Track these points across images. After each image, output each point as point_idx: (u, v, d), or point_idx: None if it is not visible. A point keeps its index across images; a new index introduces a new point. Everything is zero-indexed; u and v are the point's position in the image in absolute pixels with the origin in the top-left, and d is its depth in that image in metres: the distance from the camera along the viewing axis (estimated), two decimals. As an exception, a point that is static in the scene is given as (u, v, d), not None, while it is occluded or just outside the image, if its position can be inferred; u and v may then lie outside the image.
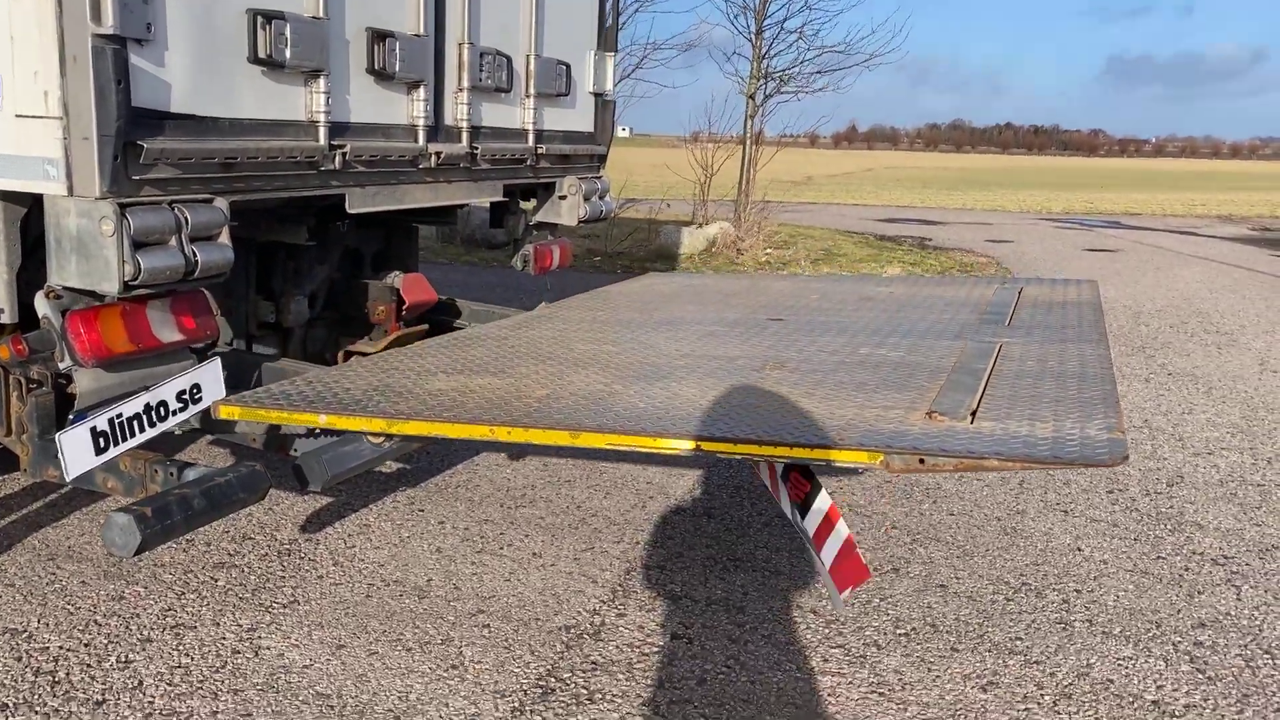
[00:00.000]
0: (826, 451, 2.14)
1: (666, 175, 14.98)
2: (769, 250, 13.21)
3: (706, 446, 2.20)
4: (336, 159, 3.14)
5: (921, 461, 2.08)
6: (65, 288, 2.61)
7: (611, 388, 2.67)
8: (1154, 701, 2.93)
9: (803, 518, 2.61)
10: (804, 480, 2.63)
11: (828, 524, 2.55)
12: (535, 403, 2.53)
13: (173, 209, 2.59)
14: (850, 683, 2.99)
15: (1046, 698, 2.94)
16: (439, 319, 4.54)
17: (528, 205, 4.71)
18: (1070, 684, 3.01)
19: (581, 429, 2.30)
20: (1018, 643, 3.25)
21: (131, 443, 2.72)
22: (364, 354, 4.09)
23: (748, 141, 14.19)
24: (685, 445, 2.21)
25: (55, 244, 2.54)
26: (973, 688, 2.98)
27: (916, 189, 35.16)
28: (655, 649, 3.15)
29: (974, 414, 2.38)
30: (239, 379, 3.33)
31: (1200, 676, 3.07)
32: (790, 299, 4.22)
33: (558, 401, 2.54)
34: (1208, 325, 9.11)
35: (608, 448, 2.34)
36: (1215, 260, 14.50)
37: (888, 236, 16.91)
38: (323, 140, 3.06)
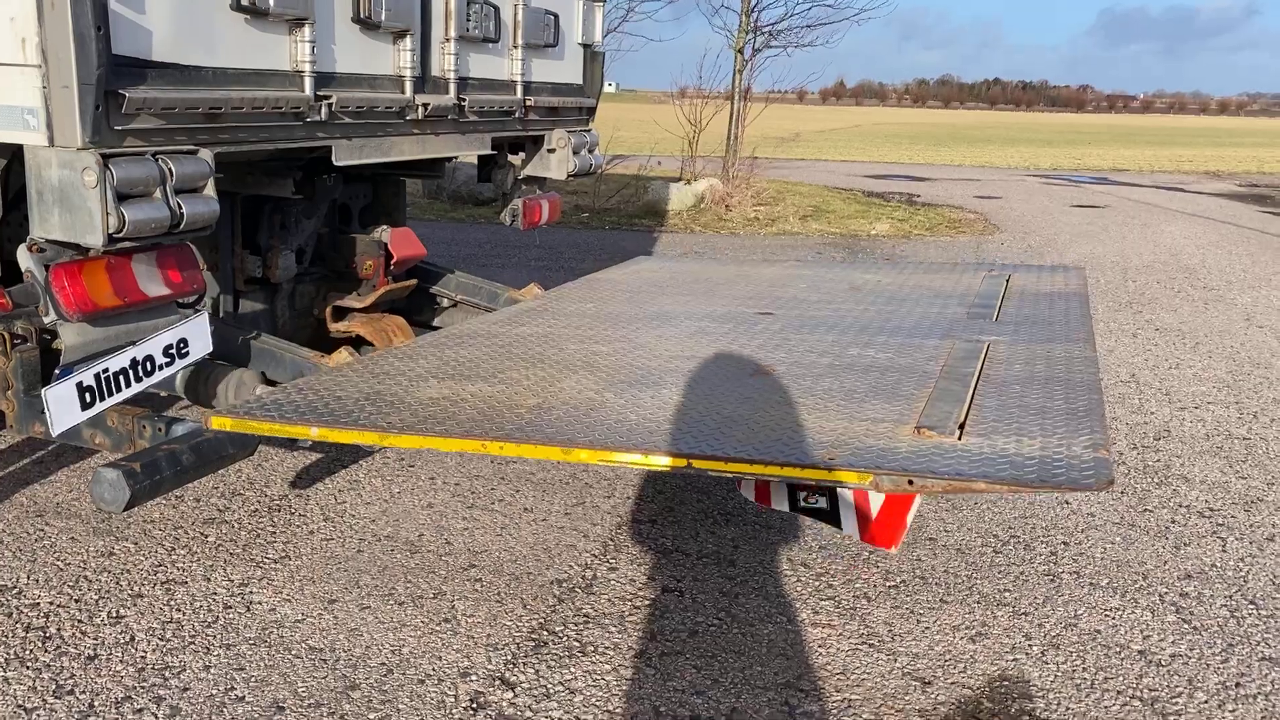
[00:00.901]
0: (816, 471, 2.16)
1: (654, 131, 14.87)
2: (757, 207, 13.15)
3: (698, 464, 2.23)
4: (322, 110, 3.09)
5: (910, 483, 2.10)
6: (48, 241, 2.57)
7: (602, 395, 2.68)
8: (1140, 651, 2.97)
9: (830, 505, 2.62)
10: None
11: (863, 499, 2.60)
12: (526, 413, 2.53)
13: (156, 160, 2.54)
14: (840, 634, 3.01)
15: (1034, 648, 2.97)
16: (426, 286, 4.50)
17: (516, 159, 4.65)
18: (1058, 634, 3.04)
19: (573, 445, 2.32)
20: (1006, 594, 3.27)
21: (118, 398, 2.70)
22: (352, 309, 4.07)
23: (736, 97, 14.07)
24: (676, 463, 2.24)
25: (37, 196, 2.50)
26: (961, 638, 3.01)
27: (904, 145, 35.02)
28: (646, 602, 3.17)
29: (961, 427, 2.40)
30: (222, 352, 3.30)
31: (1186, 627, 3.11)
32: (778, 288, 4.20)
33: (549, 412, 2.54)
34: (1194, 281, 9.13)
35: (599, 464, 2.36)
36: (1202, 216, 14.51)
37: (876, 193, 16.85)
38: (308, 90, 3.00)
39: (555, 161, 4.58)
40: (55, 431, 2.62)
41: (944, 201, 15.64)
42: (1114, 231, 12.56)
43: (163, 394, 3.18)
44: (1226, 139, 47.26)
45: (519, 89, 4.10)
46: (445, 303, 4.55)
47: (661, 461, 2.24)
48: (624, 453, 2.27)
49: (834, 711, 2.64)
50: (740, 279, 4.43)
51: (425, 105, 3.53)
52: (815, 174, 20.17)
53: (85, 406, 2.60)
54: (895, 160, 26.66)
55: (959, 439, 2.31)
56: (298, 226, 3.88)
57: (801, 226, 12.35)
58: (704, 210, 12.90)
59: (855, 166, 23.58)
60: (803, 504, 2.70)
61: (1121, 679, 2.82)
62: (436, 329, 4.30)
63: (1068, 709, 2.68)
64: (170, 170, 2.57)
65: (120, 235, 2.47)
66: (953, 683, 2.79)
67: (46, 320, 2.64)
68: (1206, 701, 2.73)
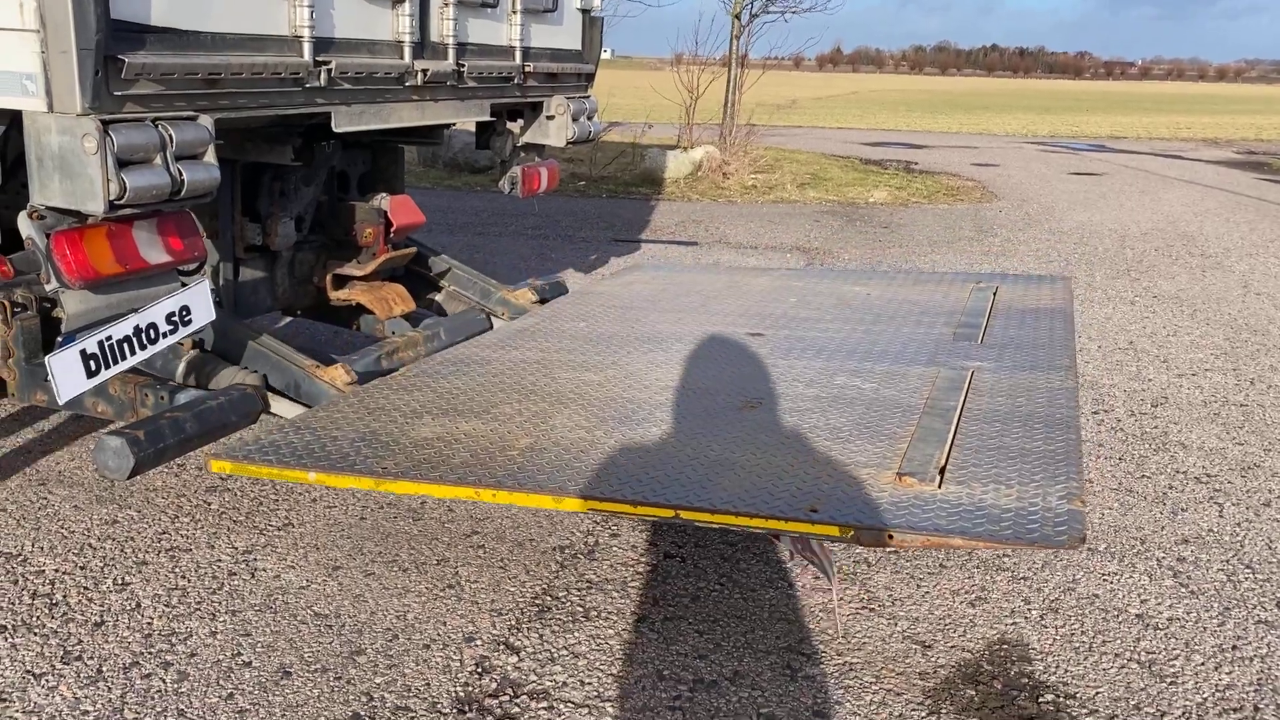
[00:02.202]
0: (798, 525, 2.21)
1: (650, 98, 14.78)
2: (755, 174, 13.10)
3: (685, 515, 2.27)
4: (321, 76, 3.06)
5: (890, 537, 2.15)
6: (49, 208, 2.55)
7: (593, 434, 2.73)
8: (1138, 615, 2.99)
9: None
10: None
11: None
12: (518, 455, 2.59)
13: (156, 126, 2.52)
14: (841, 599, 3.03)
15: (1033, 612, 3.00)
16: (420, 271, 4.48)
17: (514, 126, 4.63)
18: (1057, 599, 3.07)
19: (564, 494, 2.36)
20: (1005, 559, 3.30)
21: (122, 365, 2.70)
22: (353, 277, 4.06)
23: (733, 63, 13.98)
24: (664, 513, 2.29)
25: (37, 162, 2.48)
26: (961, 603, 3.03)
27: (901, 112, 34.85)
28: (649, 568, 3.19)
29: (942, 472, 2.44)
30: (222, 349, 3.31)
31: (1183, 591, 3.14)
32: (770, 303, 4.25)
33: (540, 455, 2.59)
34: (1192, 248, 9.13)
35: (588, 512, 2.42)
36: (1200, 184, 14.48)
37: (873, 160, 16.79)
38: (307, 56, 2.98)
39: (554, 128, 4.55)
40: (61, 399, 2.62)
41: (941, 169, 15.59)
42: (1112, 199, 12.53)
43: (158, 363, 3.17)
44: (1225, 106, 47.08)
45: (518, 55, 4.07)
46: (439, 292, 4.53)
47: (650, 511, 2.30)
48: (613, 503, 2.33)
49: (835, 674, 2.67)
50: (732, 291, 4.45)
51: (424, 71, 3.50)
52: (812, 141, 20.08)
53: (90, 374, 2.60)
54: (892, 127, 26.54)
55: (939, 487, 2.37)
56: (297, 194, 3.86)
57: (799, 194, 12.32)
58: (701, 178, 12.85)
59: (852, 134, 23.47)
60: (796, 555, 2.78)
61: (1119, 642, 2.85)
62: (425, 313, 4.32)
63: (1066, 671, 2.71)
64: (170, 136, 2.55)
65: (121, 202, 2.45)
66: (953, 646, 2.81)
67: (48, 288, 2.63)
68: (1203, 664, 2.76)
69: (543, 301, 4.47)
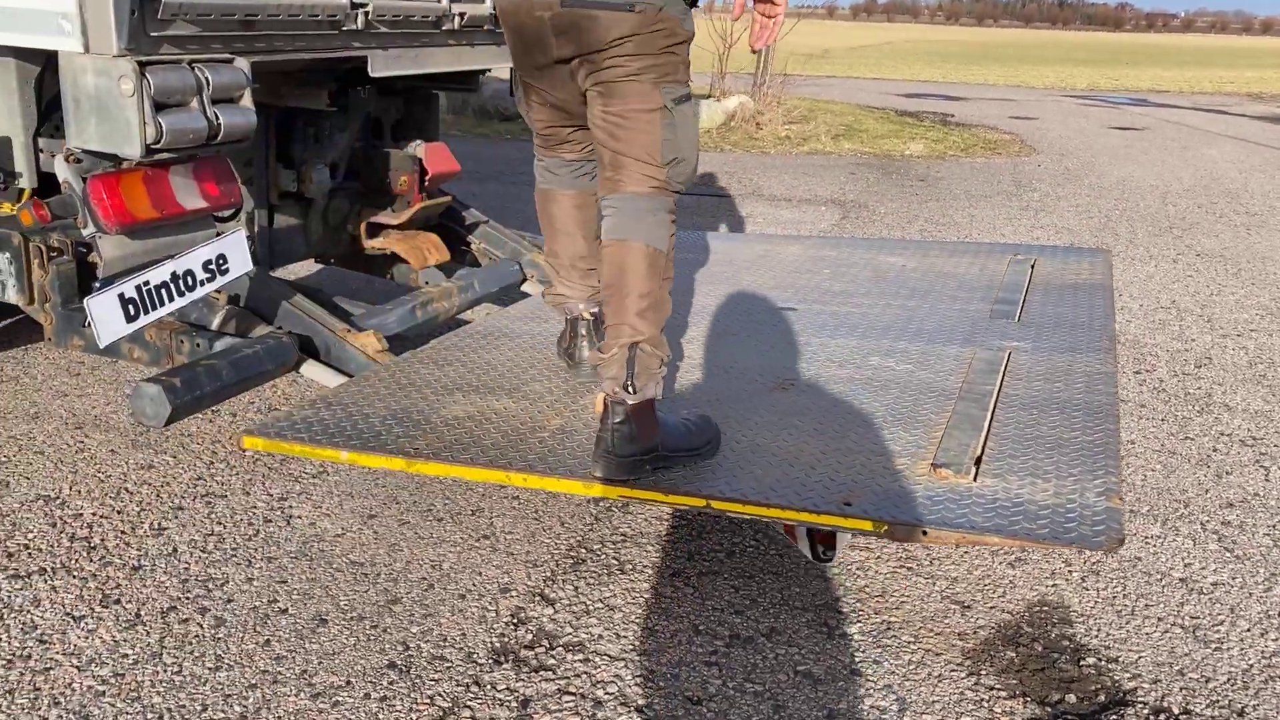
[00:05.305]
0: (832, 519, 2.17)
1: (683, 46, 14.54)
2: (789, 125, 12.92)
3: (716, 505, 2.25)
4: (359, 18, 3.01)
5: (924, 533, 2.10)
6: (85, 151, 2.53)
7: None
8: (1181, 579, 2.95)
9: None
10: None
11: None
12: (549, 437, 2.57)
13: (193, 69, 2.49)
14: (878, 558, 3.01)
15: (1074, 574, 2.95)
16: (452, 223, 4.42)
17: (550, 72, 4.54)
18: (1098, 561, 3.02)
19: (594, 481, 2.35)
20: (1045, 520, 3.25)
21: (160, 312, 2.69)
22: (387, 225, 4.02)
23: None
24: (695, 503, 2.27)
25: (73, 105, 2.45)
26: (1000, 564, 3.00)
27: (936, 64, 34.25)
28: (683, 522, 3.17)
29: (978, 463, 2.39)
30: (253, 306, 3.28)
31: (1228, 555, 3.08)
32: (802, 274, 4.18)
33: (570, 437, 2.57)
34: (1236, 206, 8.93)
35: (619, 499, 2.41)
36: (1245, 139, 14.16)
37: (909, 112, 16.52)
38: (344, -2, 2.93)
39: (590, 75, 4.47)
40: (101, 343, 2.62)
41: (978, 122, 15.32)
42: (1153, 154, 12.28)
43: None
44: (1270, 60, 45.93)
45: (556, -2, 3.98)
46: (470, 246, 4.47)
47: (682, 501, 2.28)
48: (645, 492, 2.31)
49: (873, 633, 2.64)
50: (764, 261, 4.38)
51: (462, 15, 3.44)
52: (846, 92, 19.77)
53: (129, 319, 2.59)
54: (928, 79, 26.09)
55: (974, 479, 2.32)
56: (331, 140, 3.82)
57: (834, 146, 12.14)
58: (734, 128, 12.69)
59: (887, 85, 23.10)
60: (821, 555, 2.74)
61: (1162, 606, 2.81)
62: (457, 264, 4.30)
63: (1108, 635, 2.67)
64: (207, 79, 2.51)
65: (158, 146, 2.43)
66: (992, 607, 2.78)
67: (85, 233, 2.61)
68: (1249, 630, 2.71)
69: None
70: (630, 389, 2.34)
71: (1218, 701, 2.42)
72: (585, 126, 2.59)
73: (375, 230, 4.07)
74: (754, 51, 2.72)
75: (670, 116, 2.39)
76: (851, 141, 12.45)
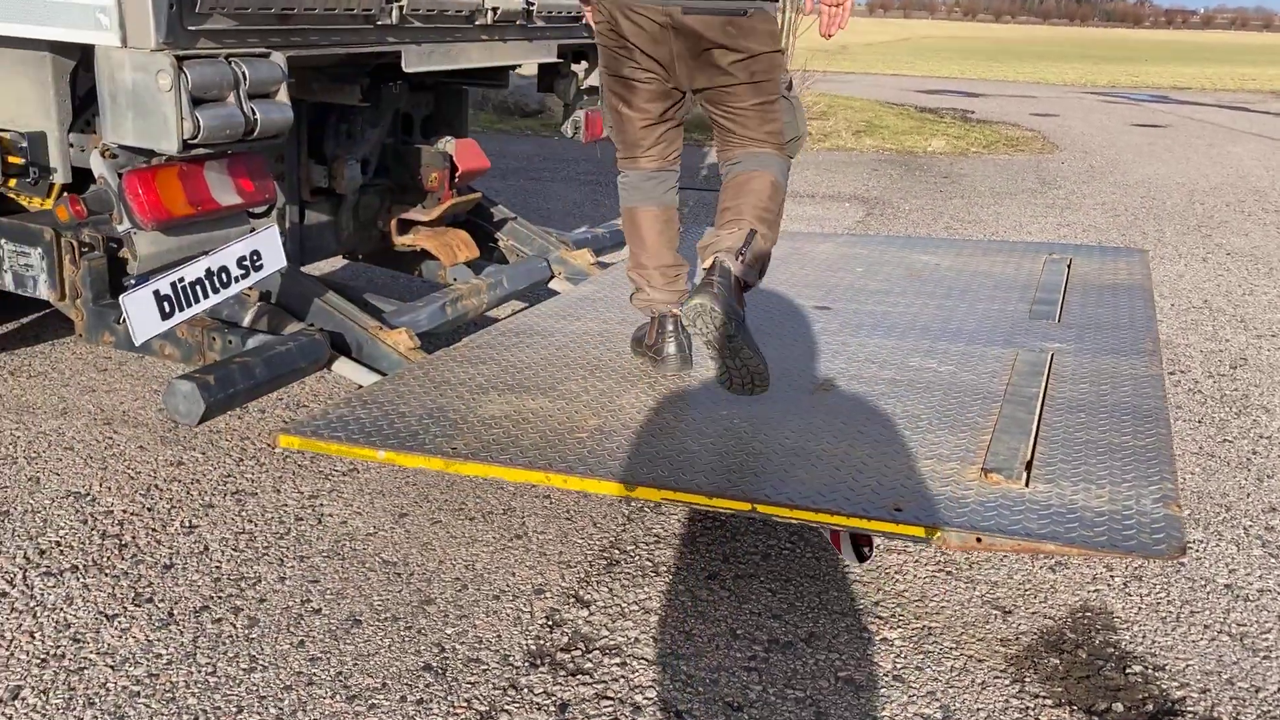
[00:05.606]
0: (883, 525, 2.12)
1: (703, 42, 14.47)
2: (809, 121, 12.83)
3: (762, 509, 2.20)
4: (393, 13, 2.98)
5: (979, 540, 2.05)
6: (121, 146, 2.51)
7: (662, 416, 2.67)
8: (1227, 585, 2.90)
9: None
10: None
11: None
12: (588, 438, 2.54)
13: (230, 63, 2.46)
14: (917, 561, 2.96)
15: (1116, 579, 2.91)
16: (480, 220, 4.40)
17: (579, 68, 4.51)
18: (1140, 566, 2.97)
19: (636, 482, 2.31)
20: (1084, 524, 3.20)
21: (195, 309, 2.66)
22: (418, 222, 3.99)
23: (788, 7, 13.64)
24: (741, 507, 2.23)
25: (110, 99, 2.43)
26: (1041, 568, 2.95)
27: (955, 60, 34.07)
28: (716, 524, 3.13)
29: (1029, 468, 2.34)
30: (285, 303, 3.26)
31: (1274, 561, 3.03)
32: (835, 272, 4.13)
33: (610, 438, 2.54)
34: (1265, 204, 8.84)
35: (661, 501, 2.36)
36: (1270, 137, 14.02)
37: (929, 109, 16.42)
38: (379, -8, 2.89)
39: (620, 71, 4.43)
40: (137, 341, 2.59)
41: (999, 118, 15.21)
42: (1178, 152, 12.17)
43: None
44: (1291, 57, 45.50)
45: (587, -7, 3.95)
46: (499, 242, 4.44)
47: (727, 504, 2.23)
48: (688, 494, 2.27)
49: (914, 638, 2.60)
50: (794, 258, 4.33)
51: (495, 10, 3.41)
52: (864, 88, 19.66)
53: (164, 316, 2.57)
54: (946, 75, 25.96)
55: (1025, 485, 2.27)
56: (363, 136, 3.79)
57: (855, 142, 12.07)
58: (754, 125, 12.60)
59: (905, 81, 22.99)
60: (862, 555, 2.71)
61: (1208, 613, 2.76)
62: (485, 261, 4.27)
63: (1154, 642, 2.62)
64: (244, 74, 2.49)
65: (195, 141, 2.40)
66: (1034, 612, 2.74)
67: (120, 229, 2.59)
68: (1297, 638, 2.66)
69: (600, 258, 4.40)
70: (741, 257, 2.64)
71: (1269, 712, 2.37)
72: (678, 124, 3.03)
73: (406, 227, 4.04)
74: (826, 38, 2.97)
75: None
76: (872, 138, 12.37)
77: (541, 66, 4.32)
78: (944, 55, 37.23)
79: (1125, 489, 2.22)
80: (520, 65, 4.01)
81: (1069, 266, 4.15)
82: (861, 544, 2.59)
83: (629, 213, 3.13)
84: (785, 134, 2.89)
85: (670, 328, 3.05)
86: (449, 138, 4.01)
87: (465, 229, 4.22)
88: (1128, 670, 2.51)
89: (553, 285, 4.23)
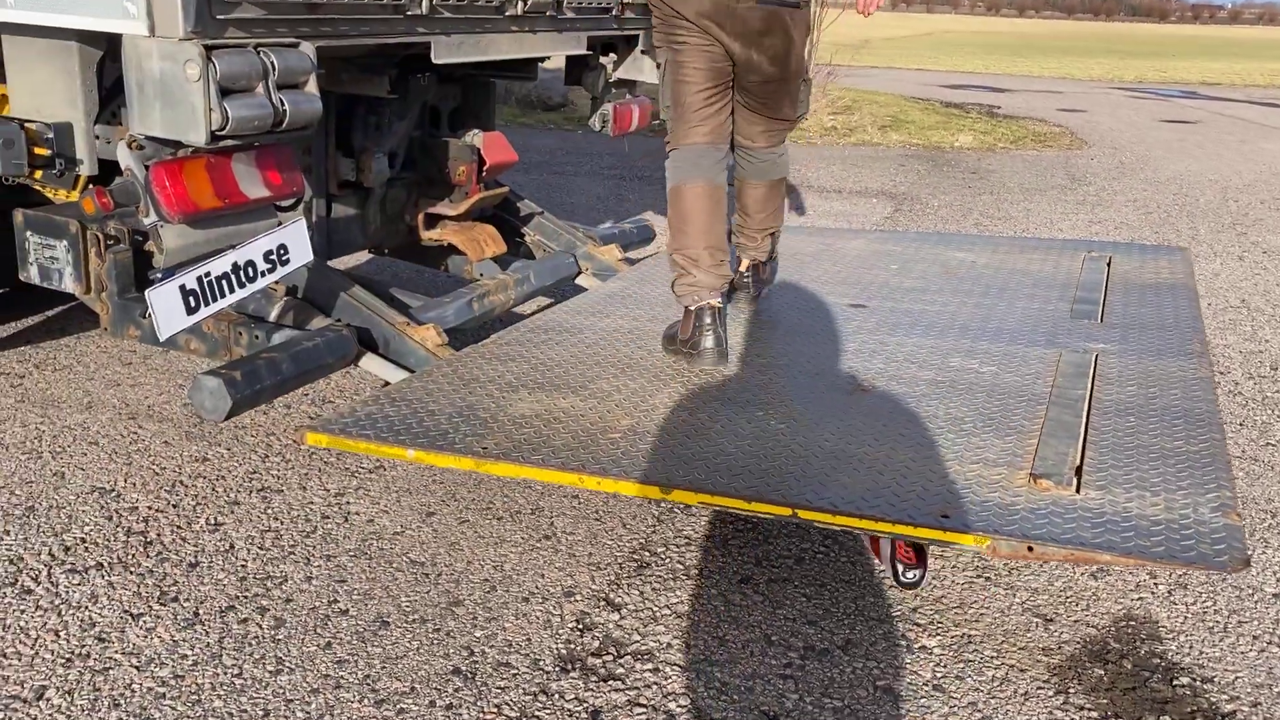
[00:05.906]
0: (930, 532, 2.06)
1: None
2: (833, 116, 12.73)
3: (804, 515, 2.14)
4: (423, 3, 2.92)
5: (1030, 549, 1.99)
6: (148, 137, 2.46)
7: (696, 417, 2.61)
8: (1275, 594, 2.81)
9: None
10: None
11: None
12: (620, 438, 2.48)
13: (259, 53, 2.41)
14: (955, 567, 2.89)
15: (1160, 588, 2.83)
16: (507, 215, 4.35)
17: (607, 60, 4.44)
18: (1184, 575, 2.89)
19: (672, 485, 2.25)
20: (1126, 529, 3.12)
21: (222, 303, 2.62)
22: (445, 216, 3.94)
23: (812, 2, 13.53)
24: (781, 512, 2.16)
25: (137, 90, 2.38)
26: (1082, 575, 2.87)
27: (979, 55, 33.78)
28: (748, 526, 3.07)
29: (1079, 473, 2.27)
30: (310, 297, 3.21)
31: (1323, 570, 2.94)
32: (868, 269, 4.08)
33: (643, 439, 2.48)
34: (1300, 202, 8.68)
35: (699, 505, 2.31)
36: (1302, 134, 13.81)
37: (954, 103, 16.27)
38: (409, -18, 2.84)
39: (648, 64, 4.36)
40: (163, 337, 2.55)
41: (1026, 114, 15.05)
42: (1209, 148, 11.99)
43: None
44: (1321, 52, 44.92)
45: (617, -16, 3.89)
46: (525, 237, 4.39)
47: (767, 509, 2.18)
48: (726, 498, 2.22)
49: (954, 646, 2.53)
50: (826, 255, 4.27)
51: (524, 1, 3.34)
52: (888, 83, 19.49)
53: (190, 311, 2.52)
54: (970, 70, 25.73)
55: (1076, 491, 2.20)
56: (391, 129, 3.74)
57: (881, 137, 11.95)
58: (778, 119, 12.51)
59: (929, 76, 22.80)
60: (903, 578, 2.68)
61: (1257, 623, 2.68)
62: (512, 257, 4.22)
63: (1201, 652, 2.55)
64: (272, 64, 2.43)
65: (223, 133, 2.35)
66: (1076, 621, 2.66)
67: (146, 222, 2.55)
68: (1351, 650, 2.58)
69: (628, 254, 4.34)
70: (773, 254, 3.66)
71: (1324, 728, 2.29)
72: (728, 103, 3.22)
73: (433, 221, 3.99)
74: (865, 15, 3.40)
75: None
76: (899, 133, 12.25)
77: (569, 59, 4.26)
78: (967, 50, 36.93)
79: (1180, 496, 2.15)
80: (549, 57, 3.95)
81: (1109, 265, 4.06)
82: (903, 559, 2.53)
83: (675, 191, 3.14)
84: (800, 110, 3.33)
85: (708, 320, 3.01)
86: (476, 130, 3.96)
87: (492, 224, 4.17)
88: (1175, 682, 2.44)
89: (580, 281, 4.17)
